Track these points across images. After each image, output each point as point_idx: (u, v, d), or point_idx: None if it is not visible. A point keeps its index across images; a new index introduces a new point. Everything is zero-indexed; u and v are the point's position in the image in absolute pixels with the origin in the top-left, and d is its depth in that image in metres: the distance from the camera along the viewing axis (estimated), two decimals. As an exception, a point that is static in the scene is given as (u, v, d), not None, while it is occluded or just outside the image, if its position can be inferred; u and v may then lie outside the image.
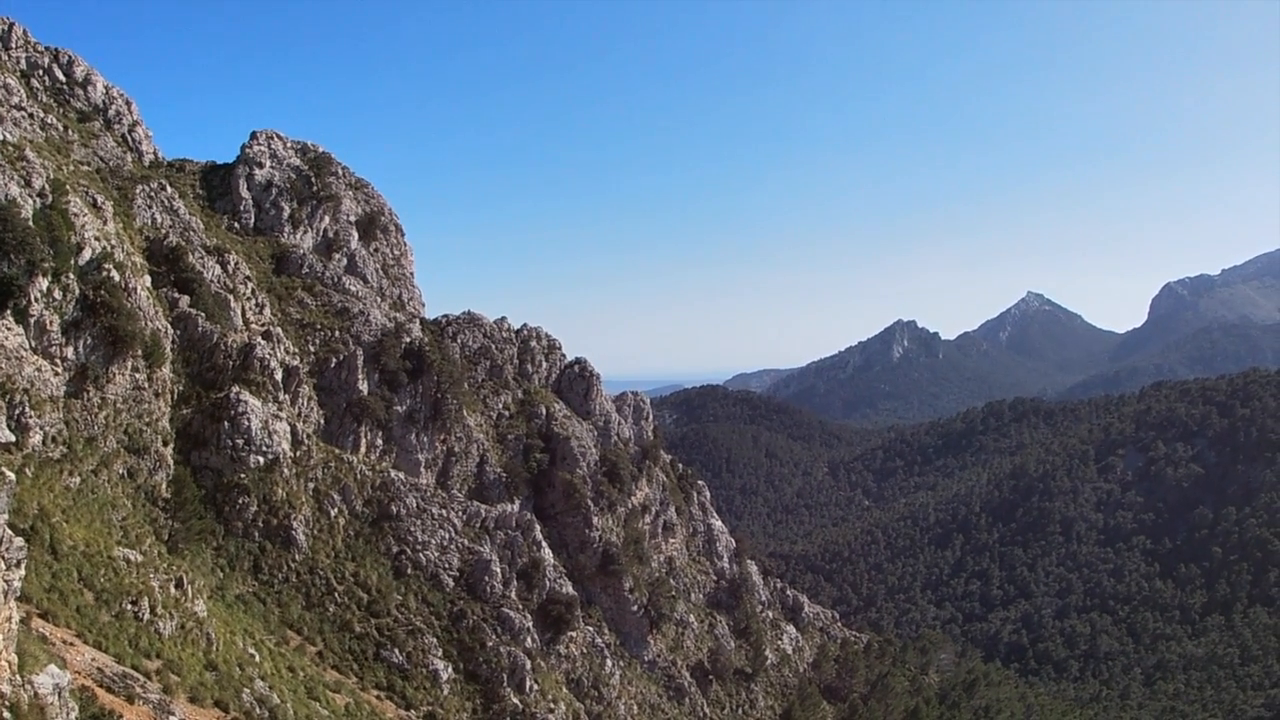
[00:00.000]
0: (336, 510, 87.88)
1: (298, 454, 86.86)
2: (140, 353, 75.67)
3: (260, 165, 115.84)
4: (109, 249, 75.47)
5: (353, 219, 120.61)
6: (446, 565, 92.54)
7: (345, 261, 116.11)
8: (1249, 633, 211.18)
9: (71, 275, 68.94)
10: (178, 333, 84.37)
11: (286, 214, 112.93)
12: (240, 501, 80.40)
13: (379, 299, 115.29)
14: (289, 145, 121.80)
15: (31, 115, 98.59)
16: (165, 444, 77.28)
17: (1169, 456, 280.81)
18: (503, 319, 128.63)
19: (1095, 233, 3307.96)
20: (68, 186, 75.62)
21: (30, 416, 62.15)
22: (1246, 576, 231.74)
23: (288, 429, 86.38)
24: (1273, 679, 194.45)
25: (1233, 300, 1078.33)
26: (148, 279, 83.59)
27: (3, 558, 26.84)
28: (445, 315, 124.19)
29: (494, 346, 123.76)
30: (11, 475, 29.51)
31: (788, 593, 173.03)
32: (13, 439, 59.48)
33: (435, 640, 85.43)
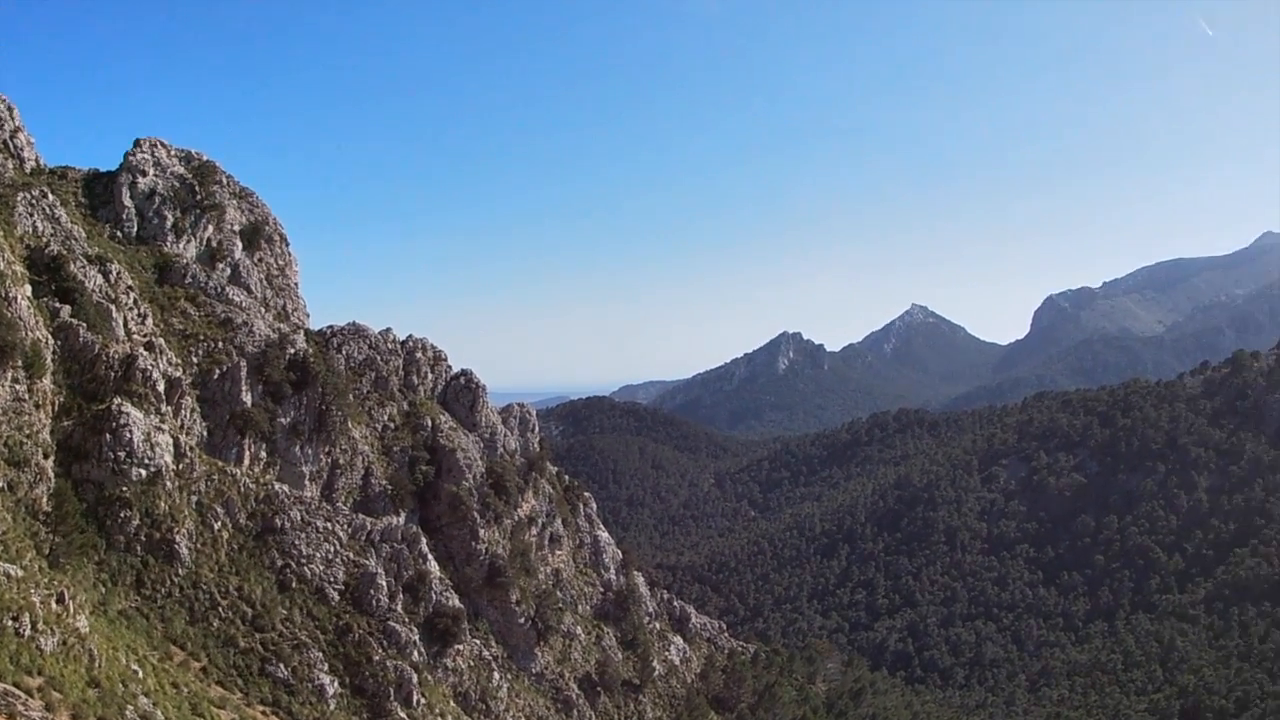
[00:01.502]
0: (220, 524, 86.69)
1: (180, 467, 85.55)
2: (20, 363, 74.24)
3: (143, 173, 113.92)
4: (-12, 258, 74.05)
5: (237, 228, 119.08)
6: (332, 579, 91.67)
7: (229, 271, 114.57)
8: (1131, 639, 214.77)
9: (-52, 285, 67.53)
10: (58, 343, 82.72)
11: (170, 223, 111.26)
12: (122, 515, 78.92)
13: (263, 310, 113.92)
14: (173, 153, 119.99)
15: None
16: (46, 456, 75.72)
17: (1051, 466, 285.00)
18: (388, 330, 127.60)
19: (978, 246, 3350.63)
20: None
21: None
22: (1128, 584, 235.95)
23: (170, 441, 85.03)
24: (1155, 684, 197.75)
25: (1113, 312, 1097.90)
26: (28, 288, 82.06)
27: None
28: (330, 326, 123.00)
29: (379, 358, 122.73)
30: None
31: (675, 604, 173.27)
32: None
33: (321, 655, 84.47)
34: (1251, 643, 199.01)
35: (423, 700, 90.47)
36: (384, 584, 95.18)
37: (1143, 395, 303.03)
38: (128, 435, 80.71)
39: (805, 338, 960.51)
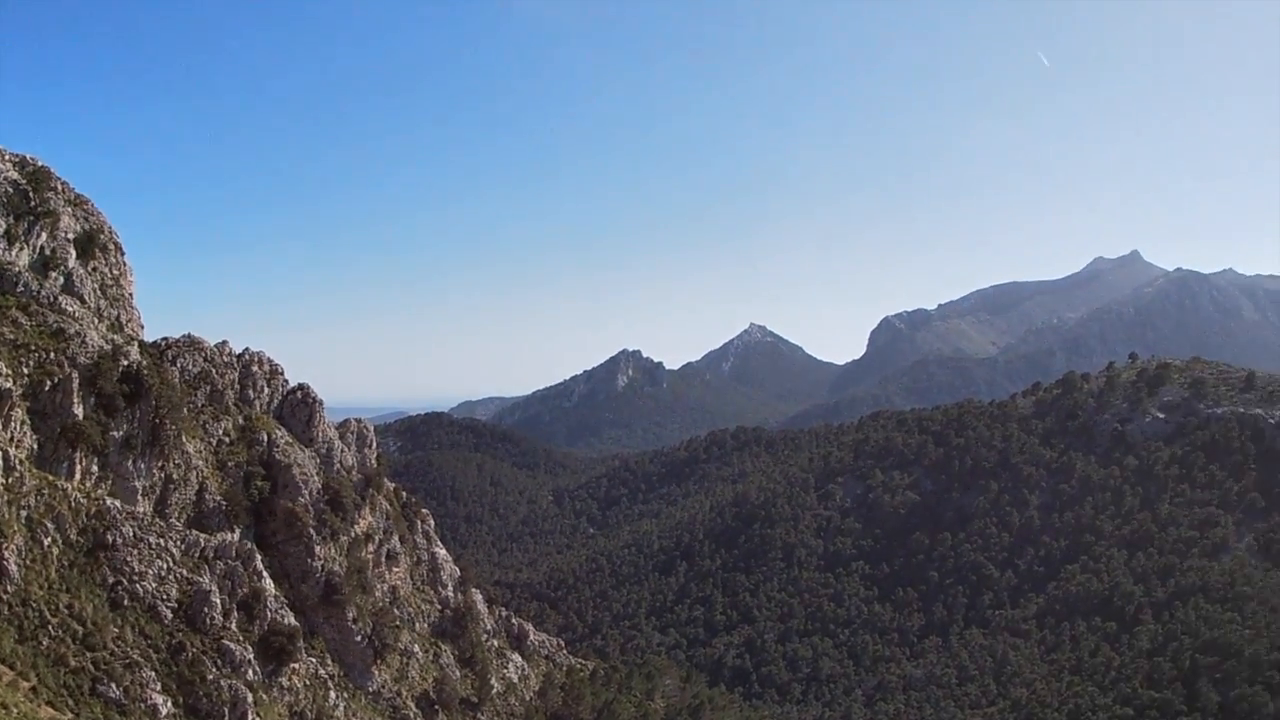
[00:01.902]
0: (50, 540, 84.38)
1: (10, 480, 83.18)
2: None
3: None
4: None
5: (71, 236, 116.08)
6: (165, 596, 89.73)
7: (62, 280, 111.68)
8: (965, 654, 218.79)
9: None
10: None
11: (2, 230, 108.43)
12: (-52, 531, 76.75)
13: (97, 320, 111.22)
14: (6, 158, 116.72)
15: None
16: None
17: (886, 484, 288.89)
18: (224, 343, 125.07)
19: (816, 266, 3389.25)
20: None
21: None
22: (962, 599, 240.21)
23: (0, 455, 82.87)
24: (989, 698, 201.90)
25: (948, 334, 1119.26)
26: None
27: None
28: (165, 338, 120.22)
29: (215, 371, 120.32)
30: None
31: (513, 621, 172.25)
32: None
33: (154, 674, 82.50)
34: (1082, 656, 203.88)
35: (258, 719, 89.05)
36: (218, 602, 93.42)
37: (976, 415, 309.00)
38: (-46, 448, 78.46)
39: (645, 355, 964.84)
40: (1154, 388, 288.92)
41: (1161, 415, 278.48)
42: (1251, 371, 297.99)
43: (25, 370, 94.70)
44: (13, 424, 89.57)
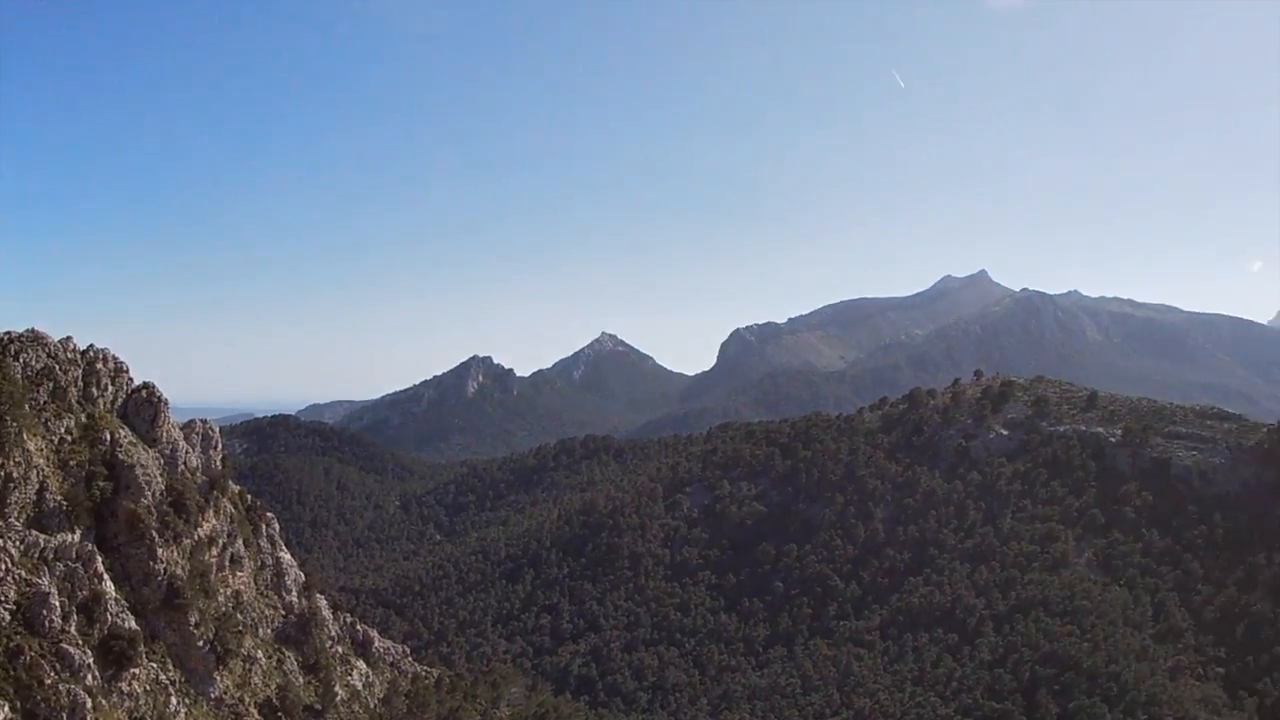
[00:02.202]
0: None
1: None
2: None
3: None
4: None
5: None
6: (3, 598, 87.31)
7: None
8: (810, 663, 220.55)
9: None
10: None
11: None
12: None
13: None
14: None
15: None
16: None
17: (734, 495, 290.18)
18: (68, 339, 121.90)
19: (668, 278, 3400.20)
20: None
21: None
22: (807, 610, 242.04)
23: None
24: (833, 708, 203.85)
25: (797, 347, 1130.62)
26: None
27: None
28: (7, 333, 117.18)
29: (58, 367, 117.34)
30: None
31: (358, 627, 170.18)
32: None
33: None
34: (924, 667, 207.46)
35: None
36: (57, 604, 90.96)
37: (823, 428, 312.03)
38: None
39: (495, 362, 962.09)
40: (998, 405, 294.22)
41: (1005, 432, 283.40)
42: (1093, 391, 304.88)
43: None
44: None
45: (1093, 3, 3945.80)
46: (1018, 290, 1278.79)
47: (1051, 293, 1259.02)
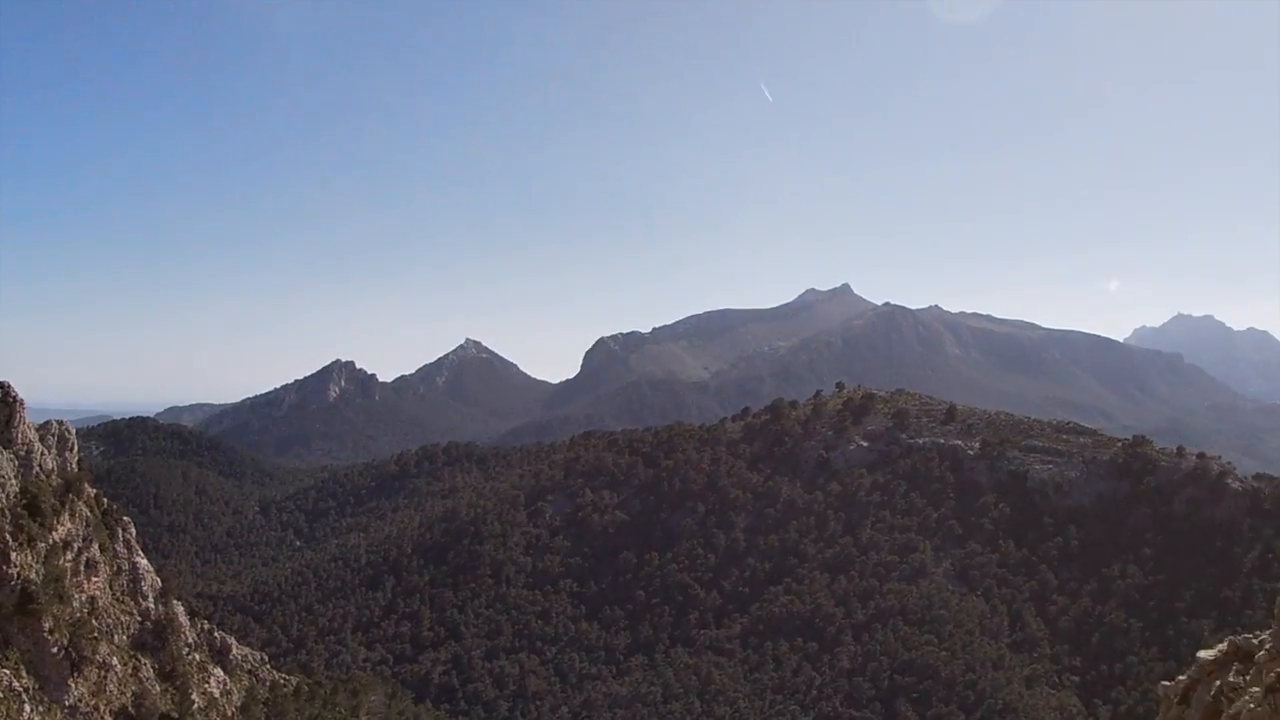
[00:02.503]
0: None
1: None
2: None
3: None
4: None
5: None
6: None
7: None
8: (670, 672, 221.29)
9: None
10: None
11: None
12: None
13: None
14: None
15: None
16: None
17: (596, 503, 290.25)
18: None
19: (532, 285, 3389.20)
20: None
21: None
22: (668, 619, 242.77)
23: None
24: (694, 716, 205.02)
25: (661, 357, 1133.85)
26: None
27: None
28: None
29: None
30: None
31: (216, 634, 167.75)
32: None
33: None
34: (785, 675, 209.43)
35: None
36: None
37: (686, 437, 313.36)
38: None
39: (358, 367, 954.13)
40: (859, 417, 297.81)
41: (865, 444, 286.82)
42: (952, 404, 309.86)
43: None
44: None
45: (953, 28, 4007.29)
46: (880, 304, 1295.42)
47: (913, 307, 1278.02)
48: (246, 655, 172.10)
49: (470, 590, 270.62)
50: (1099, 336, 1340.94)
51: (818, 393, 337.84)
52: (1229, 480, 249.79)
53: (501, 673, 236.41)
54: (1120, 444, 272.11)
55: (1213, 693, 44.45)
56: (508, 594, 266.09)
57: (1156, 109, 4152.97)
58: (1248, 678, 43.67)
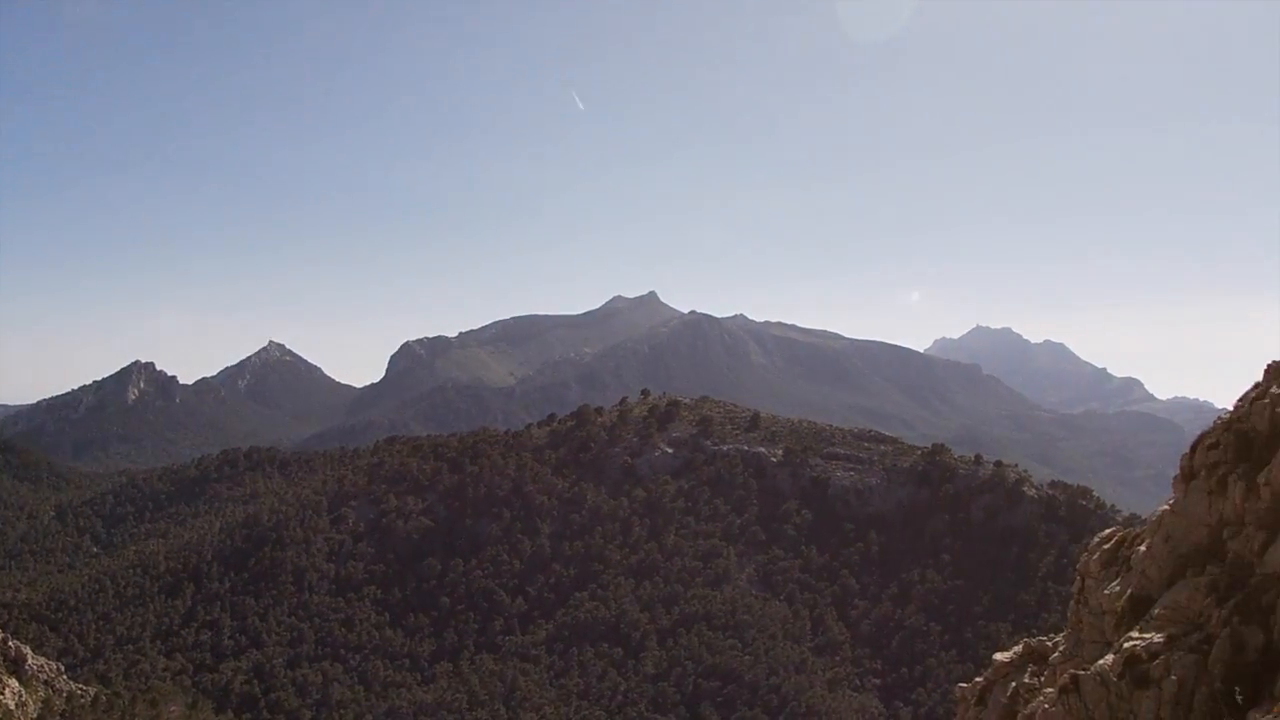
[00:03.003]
0: None
1: None
2: None
3: None
4: None
5: None
6: None
7: None
8: (476, 679, 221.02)
9: None
10: None
11: None
12: None
13: None
14: None
15: None
16: None
17: (400, 509, 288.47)
18: None
19: (339, 288, 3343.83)
20: None
21: None
22: (473, 625, 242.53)
23: None
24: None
25: (467, 362, 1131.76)
26: None
27: None
28: None
29: None
30: None
31: (10, 644, 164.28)
32: None
33: None
34: (590, 681, 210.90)
35: None
36: None
37: (491, 443, 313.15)
38: None
39: (158, 368, 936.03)
40: (664, 423, 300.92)
41: (670, 450, 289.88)
42: (756, 412, 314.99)
43: None
44: None
45: (768, 44, 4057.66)
46: (686, 312, 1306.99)
47: (719, 316, 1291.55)
48: (42, 665, 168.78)
49: (272, 597, 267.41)
50: (900, 347, 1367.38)
51: (623, 399, 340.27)
52: (1025, 487, 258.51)
53: (304, 681, 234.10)
54: (920, 452, 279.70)
55: (1008, 694, 46.82)
56: (310, 601, 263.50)
57: (961, 129, 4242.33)
58: (1042, 679, 46.14)
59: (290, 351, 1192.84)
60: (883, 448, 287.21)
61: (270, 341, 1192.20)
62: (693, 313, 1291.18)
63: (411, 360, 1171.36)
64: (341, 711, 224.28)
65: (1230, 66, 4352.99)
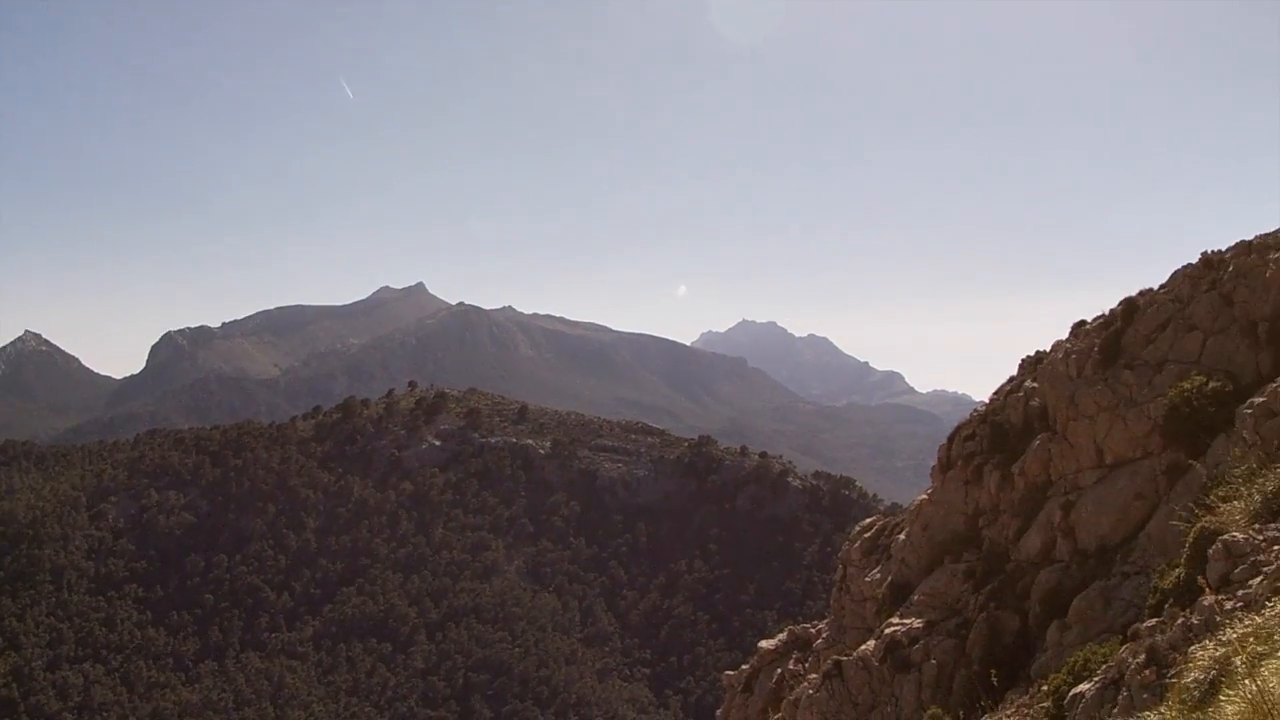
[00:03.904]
0: None
1: None
2: None
3: None
4: None
5: None
6: None
7: None
8: (242, 678, 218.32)
9: None
10: None
11: None
12: None
13: None
14: None
15: None
16: None
17: (162, 504, 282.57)
18: None
19: (98, 275, 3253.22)
20: None
21: None
22: (239, 623, 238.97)
23: None
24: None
25: (231, 353, 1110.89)
26: None
27: None
28: None
29: None
30: None
31: None
32: None
33: None
34: (359, 677, 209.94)
35: None
36: None
37: (255, 436, 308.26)
38: None
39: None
40: (431, 416, 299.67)
41: (438, 442, 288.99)
42: (524, 404, 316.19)
43: None
44: None
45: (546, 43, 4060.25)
46: (454, 304, 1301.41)
47: (487, 308, 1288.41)
48: None
49: (29, 598, 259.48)
50: (667, 340, 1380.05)
51: (390, 391, 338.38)
52: (789, 478, 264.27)
53: (65, 683, 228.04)
54: (687, 444, 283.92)
55: (774, 680, 47.83)
56: (70, 600, 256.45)
57: (742, 134, 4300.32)
58: (806, 665, 47.09)
59: (47, 341, 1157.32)
60: (650, 439, 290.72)
61: (26, 331, 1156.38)
62: (461, 304, 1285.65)
63: (173, 351, 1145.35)
64: (104, 714, 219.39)
65: (1000, 75, 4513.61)
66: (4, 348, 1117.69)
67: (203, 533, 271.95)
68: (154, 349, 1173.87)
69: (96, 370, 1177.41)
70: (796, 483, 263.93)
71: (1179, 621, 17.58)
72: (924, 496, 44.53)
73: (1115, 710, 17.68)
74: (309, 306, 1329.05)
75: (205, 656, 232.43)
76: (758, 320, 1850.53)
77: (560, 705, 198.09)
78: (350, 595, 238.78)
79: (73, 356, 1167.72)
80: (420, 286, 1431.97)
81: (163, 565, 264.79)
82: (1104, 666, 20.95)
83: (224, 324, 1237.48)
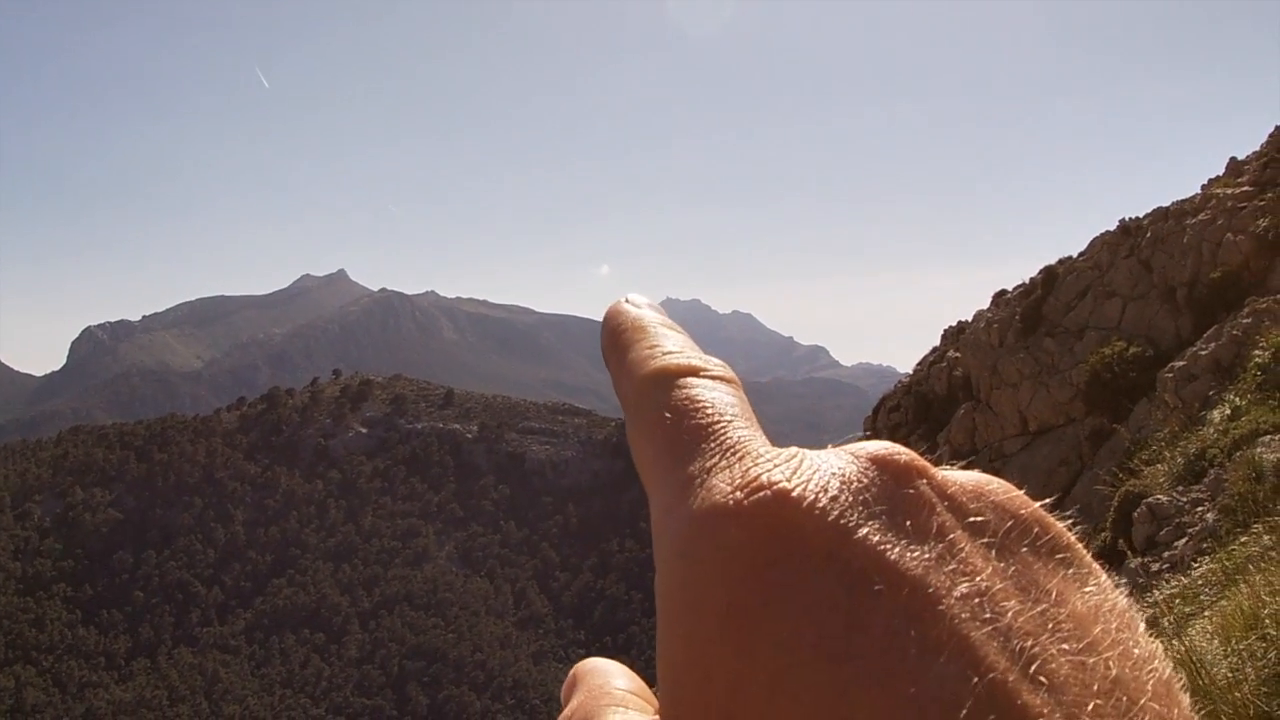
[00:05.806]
0: None
1: None
2: None
3: None
4: None
5: None
6: None
7: None
8: (175, 673, 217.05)
9: None
10: None
11: None
12: None
13: None
14: None
15: None
16: None
17: (87, 502, 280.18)
18: None
19: (14, 271, 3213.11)
20: None
21: None
22: (169, 619, 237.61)
23: None
24: (202, 717, 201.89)
25: (153, 346, 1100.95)
26: None
27: None
28: None
29: None
30: None
31: None
32: None
33: None
34: (293, 669, 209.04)
35: None
36: None
37: (179, 430, 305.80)
38: None
39: None
40: (357, 403, 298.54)
41: (364, 430, 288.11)
42: (450, 389, 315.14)
43: None
44: None
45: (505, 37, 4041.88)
46: (376, 290, 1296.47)
47: (410, 293, 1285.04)
48: None
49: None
50: (592, 320, 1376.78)
51: (315, 380, 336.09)
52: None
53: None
54: (614, 423, 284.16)
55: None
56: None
57: (669, 118, 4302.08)
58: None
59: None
60: (577, 420, 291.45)
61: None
62: (383, 290, 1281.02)
63: (93, 346, 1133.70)
64: (37, 716, 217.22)
65: (918, 47, 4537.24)
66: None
67: (130, 529, 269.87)
68: (74, 344, 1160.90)
69: (16, 368, 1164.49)
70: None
71: (1107, 584, 17.89)
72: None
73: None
74: (230, 297, 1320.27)
75: (137, 654, 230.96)
76: (681, 298, 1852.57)
77: (496, 689, 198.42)
78: (281, 587, 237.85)
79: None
80: (342, 274, 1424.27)
81: (91, 563, 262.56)
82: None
83: (144, 317, 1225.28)
